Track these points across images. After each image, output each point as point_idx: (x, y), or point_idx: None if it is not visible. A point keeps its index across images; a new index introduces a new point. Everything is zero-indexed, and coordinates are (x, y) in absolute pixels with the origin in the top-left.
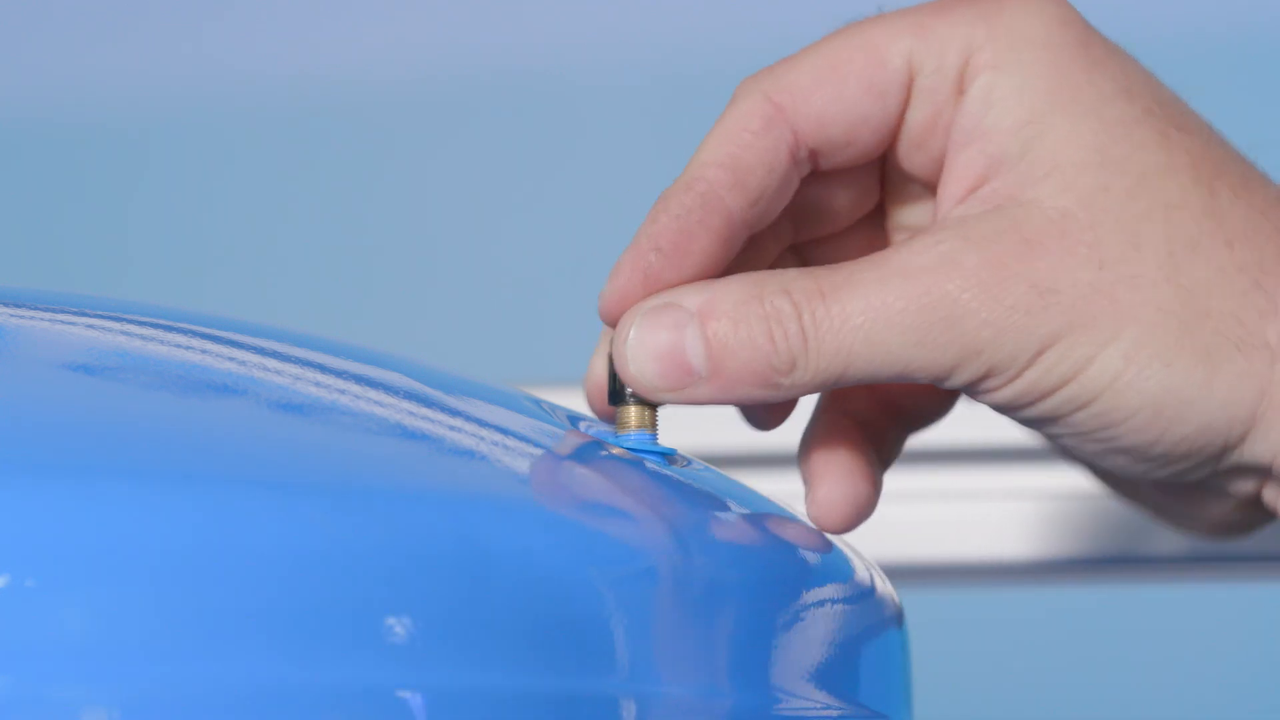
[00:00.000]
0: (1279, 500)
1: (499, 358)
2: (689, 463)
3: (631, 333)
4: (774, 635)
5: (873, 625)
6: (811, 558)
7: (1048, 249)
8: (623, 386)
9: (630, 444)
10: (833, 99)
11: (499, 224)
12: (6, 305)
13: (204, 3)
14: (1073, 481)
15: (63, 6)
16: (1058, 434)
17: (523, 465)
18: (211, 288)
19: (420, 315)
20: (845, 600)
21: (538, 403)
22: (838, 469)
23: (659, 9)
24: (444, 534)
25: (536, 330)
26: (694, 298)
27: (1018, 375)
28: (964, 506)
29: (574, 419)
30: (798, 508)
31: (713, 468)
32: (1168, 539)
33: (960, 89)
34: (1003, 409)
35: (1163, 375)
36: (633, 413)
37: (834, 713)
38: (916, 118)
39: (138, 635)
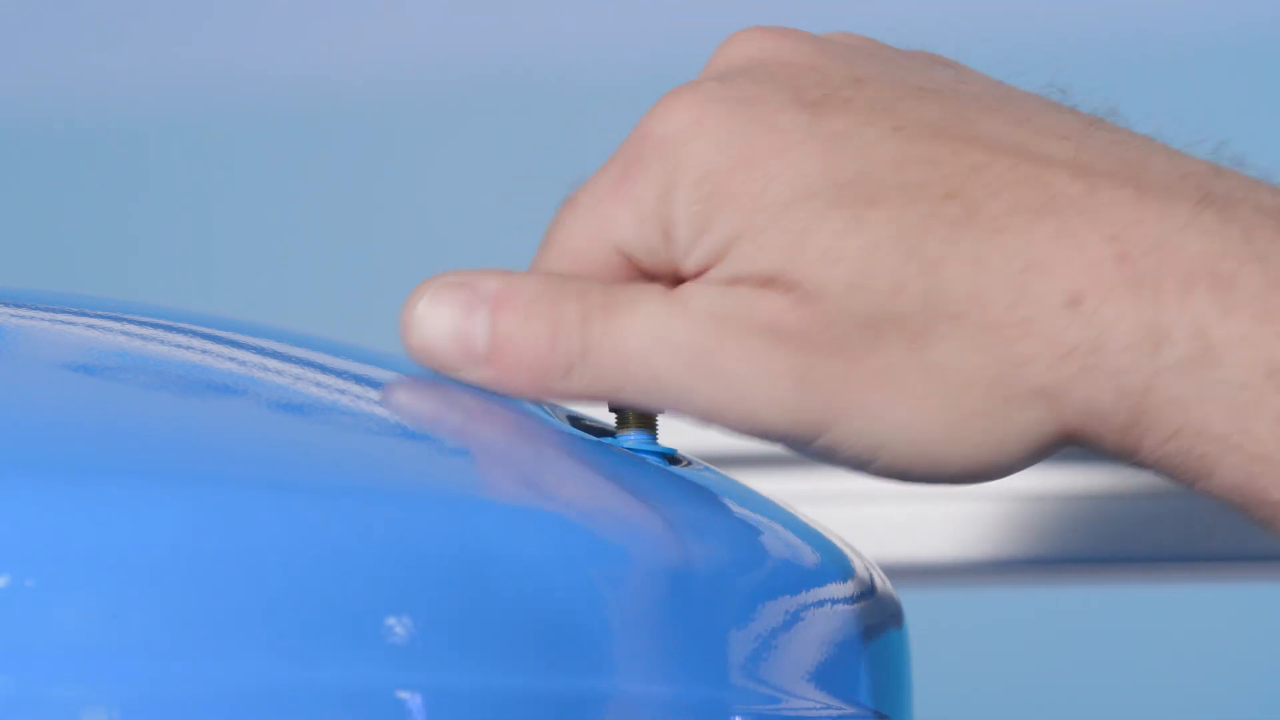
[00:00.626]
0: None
1: None
2: (689, 463)
3: (421, 303)
4: (774, 635)
5: (873, 625)
6: (811, 558)
7: (796, 339)
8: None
9: (630, 444)
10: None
11: (499, 224)
12: (6, 305)
13: (204, 3)
14: (1073, 481)
15: (63, 6)
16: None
17: (522, 465)
18: (211, 288)
19: None
20: (845, 600)
21: (537, 404)
22: None
23: (659, 9)
24: (443, 534)
25: None
26: (491, 283)
27: (803, 445)
28: (964, 506)
29: (574, 419)
30: (798, 508)
31: (713, 468)
32: (1167, 539)
33: (670, 237)
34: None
35: (954, 451)
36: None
37: (834, 713)
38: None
39: (138, 635)
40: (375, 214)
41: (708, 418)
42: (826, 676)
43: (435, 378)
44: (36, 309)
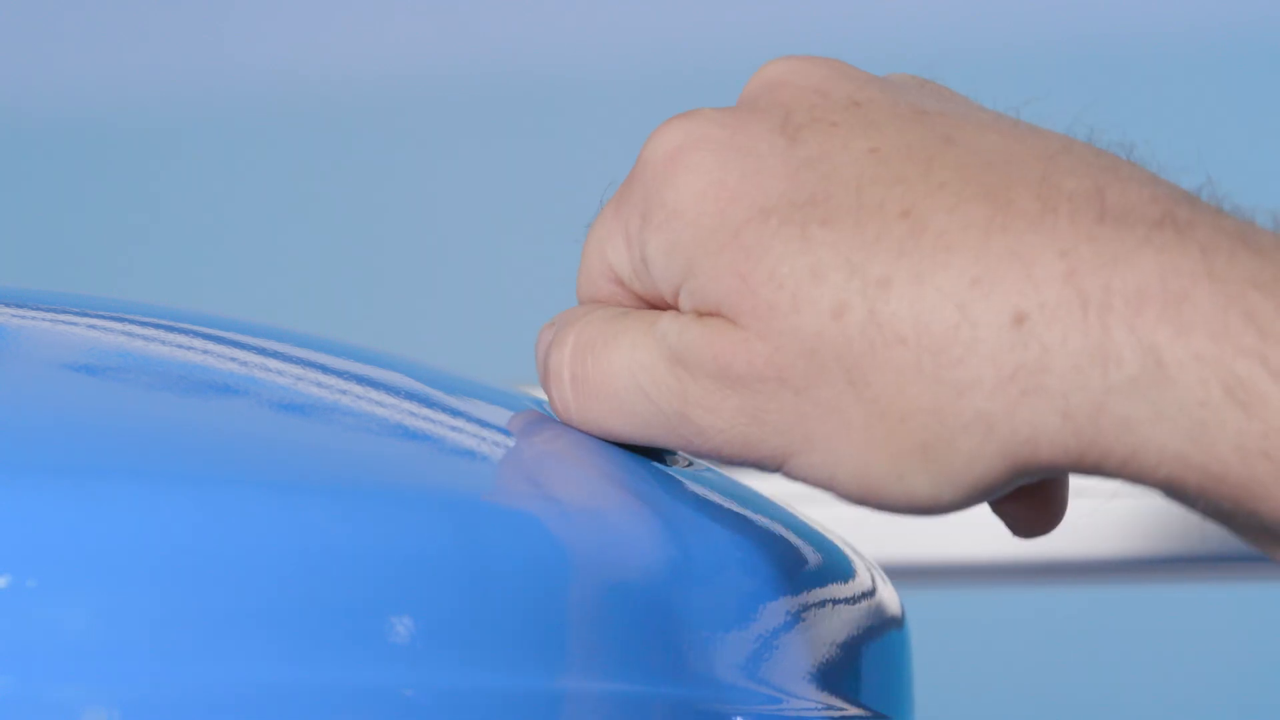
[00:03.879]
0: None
1: (499, 358)
2: (690, 463)
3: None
4: (775, 636)
5: (874, 625)
6: (813, 558)
7: (745, 379)
8: None
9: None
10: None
11: (499, 224)
12: (6, 305)
13: (205, 3)
14: (1073, 481)
15: (66, 6)
16: None
17: (523, 466)
18: (212, 288)
19: (420, 315)
20: (846, 600)
21: (538, 403)
22: None
23: (659, 9)
24: (443, 534)
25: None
26: (559, 318)
27: (775, 472)
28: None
29: None
30: (798, 508)
31: (714, 468)
32: (1167, 539)
33: (647, 264)
34: None
35: (899, 485)
36: None
37: (835, 713)
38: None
39: (138, 635)
40: (376, 214)
41: (687, 450)
42: (827, 677)
43: (436, 378)
44: (36, 309)
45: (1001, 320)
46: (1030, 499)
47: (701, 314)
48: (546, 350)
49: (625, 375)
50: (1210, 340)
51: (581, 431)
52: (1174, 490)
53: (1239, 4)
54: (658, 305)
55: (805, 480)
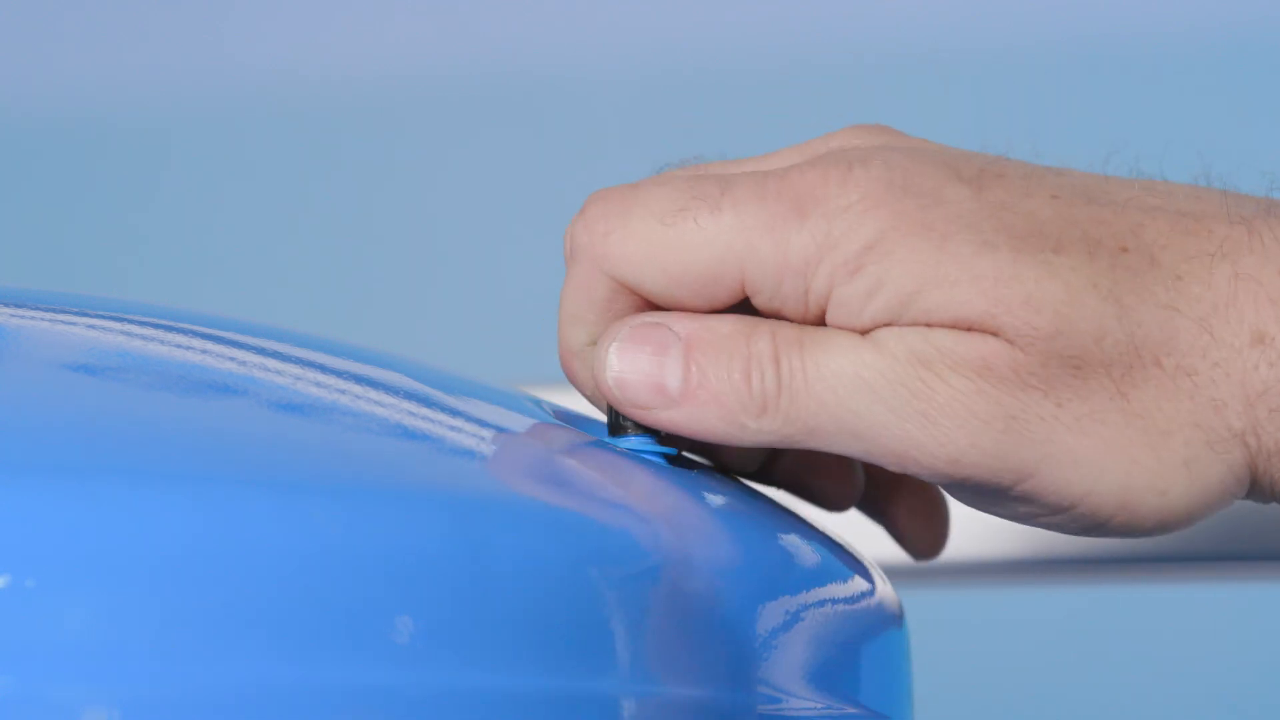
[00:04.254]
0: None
1: (499, 358)
2: (691, 463)
3: (614, 344)
4: (775, 636)
5: (874, 625)
6: (812, 558)
7: (1007, 380)
8: (623, 418)
9: (632, 444)
10: (670, 300)
11: (499, 224)
12: (6, 305)
13: (205, 3)
14: None
15: (64, 6)
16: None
17: (523, 465)
18: (212, 288)
19: (420, 315)
20: (846, 600)
21: (538, 403)
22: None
23: (659, 9)
24: (444, 534)
25: (536, 330)
26: (684, 324)
27: (1004, 495)
28: (964, 506)
29: (574, 419)
30: (798, 508)
31: (717, 474)
32: (1168, 539)
33: (815, 293)
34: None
35: (1160, 501)
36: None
37: (835, 713)
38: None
39: (138, 635)
40: (376, 214)
41: (905, 460)
42: (828, 677)
43: (435, 378)
44: (37, 309)
45: (1244, 340)
46: (924, 516)
47: (939, 325)
48: (719, 347)
49: (849, 375)
50: None
51: (752, 437)
52: None
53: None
54: (776, 318)
55: (1044, 500)
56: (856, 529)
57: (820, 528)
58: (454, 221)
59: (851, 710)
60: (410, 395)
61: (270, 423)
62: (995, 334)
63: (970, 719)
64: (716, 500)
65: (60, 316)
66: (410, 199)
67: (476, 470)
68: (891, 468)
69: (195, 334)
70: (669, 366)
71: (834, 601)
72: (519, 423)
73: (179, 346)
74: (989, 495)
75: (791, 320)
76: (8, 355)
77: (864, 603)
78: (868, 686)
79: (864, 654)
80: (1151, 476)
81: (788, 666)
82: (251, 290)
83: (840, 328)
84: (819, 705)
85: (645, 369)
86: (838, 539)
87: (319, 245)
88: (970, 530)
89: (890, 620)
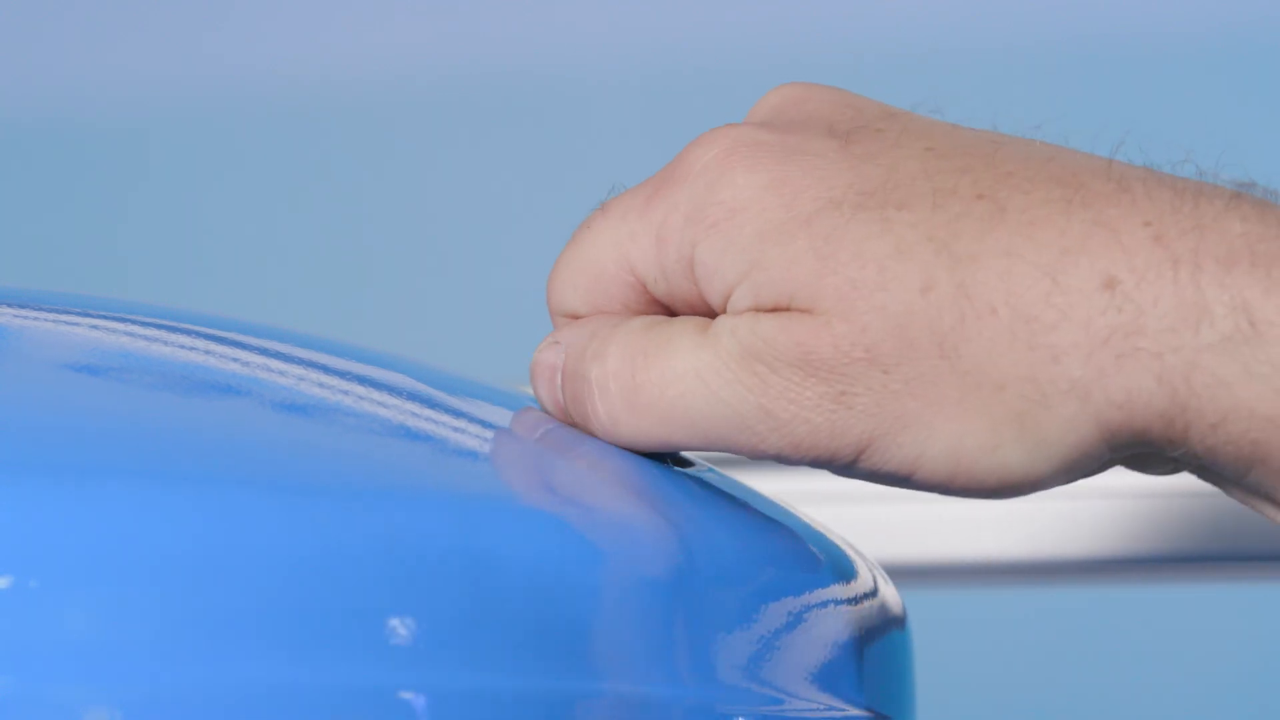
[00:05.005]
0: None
1: (499, 358)
2: (691, 463)
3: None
4: (776, 636)
5: (875, 626)
6: (814, 558)
7: (828, 362)
8: None
9: None
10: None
11: (499, 224)
12: (7, 305)
13: (204, 3)
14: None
15: (63, 6)
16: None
17: (523, 465)
18: (211, 288)
19: (420, 315)
20: (847, 601)
21: (537, 403)
22: None
23: (659, 9)
24: (444, 534)
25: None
26: (566, 338)
27: (847, 466)
28: (964, 506)
29: None
30: (799, 508)
31: (714, 468)
32: (1168, 539)
33: (693, 265)
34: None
35: (993, 459)
36: None
37: (836, 714)
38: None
39: (138, 635)
40: (375, 214)
41: (755, 452)
42: (829, 677)
43: (436, 378)
44: (37, 309)
45: (1093, 285)
46: None
47: (765, 310)
48: (576, 365)
49: (690, 379)
50: None
51: (624, 445)
52: (1256, 462)
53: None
54: (677, 312)
55: (885, 469)
56: (857, 529)
57: (821, 528)
58: (454, 221)
59: (853, 711)
60: (411, 395)
61: (271, 423)
62: (810, 310)
63: (971, 719)
64: (716, 499)
65: (60, 316)
66: (410, 199)
67: (477, 470)
68: (749, 457)
69: (196, 334)
70: (552, 393)
71: (835, 602)
72: (521, 423)
73: (180, 347)
74: (840, 470)
75: (689, 308)
76: (8, 355)
77: (865, 603)
78: (869, 687)
79: (866, 654)
80: (982, 434)
81: (789, 667)
82: (252, 290)
83: (715, 305)
84: (820, 706)
85: (544, 395)
86: (839, 539)
87: (319, 245)
88: (970, 530)
89: (892, 620)
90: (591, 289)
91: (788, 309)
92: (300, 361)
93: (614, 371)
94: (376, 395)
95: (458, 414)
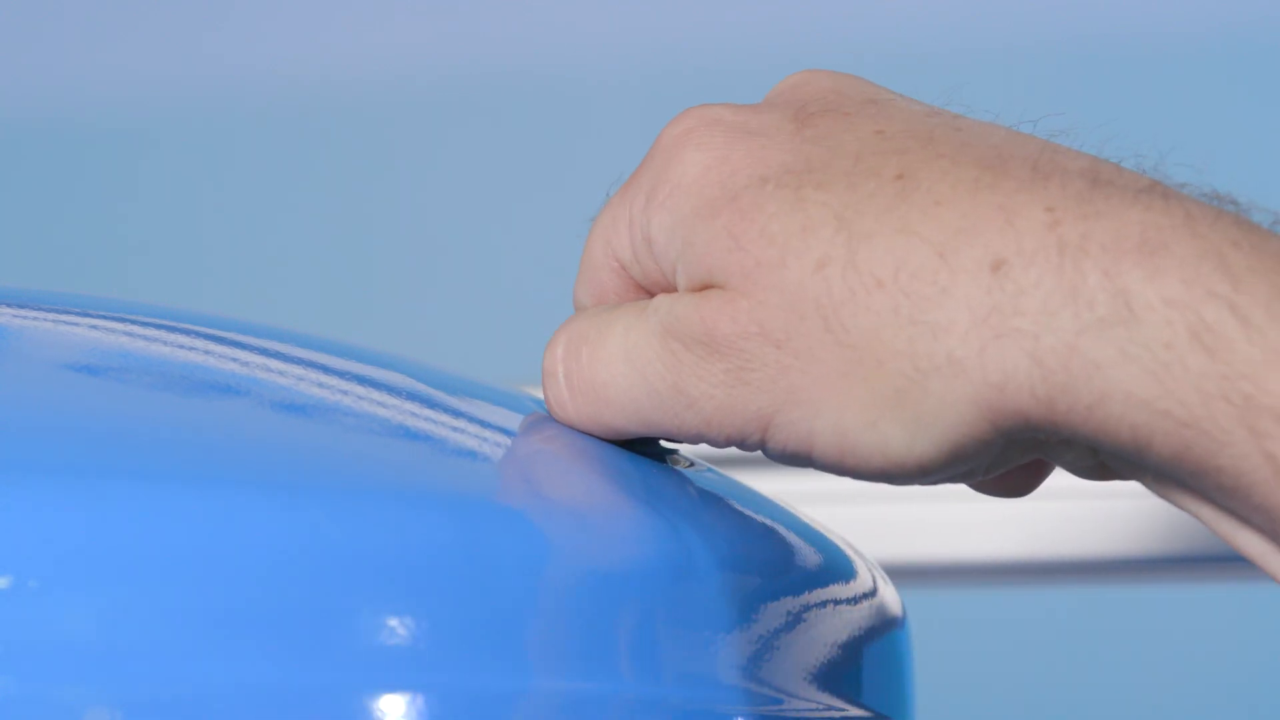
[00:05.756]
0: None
1: (499, 358)
2: (690, 463)
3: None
4: (776, 636)
5: (875, 626)
6: (813, 558)
7: (730, 339)
8: None
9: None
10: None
11: (499, 224)
12: (7, 305)
13: (203, 3)
14: (1073, 482)
15: (62, 6)
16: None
17: (523, 465)
18: (211, 288)
19: (420, 315)
20: (847, 601)
21: (538, 403)
22: None
23: (659, 9)
24: (444, 534)
25: (536, 330)
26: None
27: (759, 445)
28: (964, 506)
29: None
30: (799, 508)
31: (714, 468)
32: (1168, 539)
33: (651, 244)
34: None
35: (873, 435)
36: None
37: (836, 714)
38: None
39: (139, 635)
40: (375, 214)
41: (679, 434)
42: (828, 677)
43: (436, 378)
44: (37, 309)
45: (980, 265)
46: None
47: (695, 289)
48: (543, 357)
49: (620, 360)
50: (1182, 285)
51: (578, 430)
52: (1141, 447)
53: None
54: (653, 290)
55: (789, 448)
56: (857, 529)
57: (821, 528)
58: (454, 221)
59: (853, 711)
60: (411, 395)
61: (271, 423)
62: (723, 288)
63: (970, 719)
64: (716, 499)
65: (60, 316)
66: (411, 198)
67: (477, 470)
68: (680, 440)
69: (196, 334)
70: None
71: (835, 602)
72: (520, 423)
73: (179, 347)
74: (754, 449)
75: (663, 291)
76: (8, 355)
77: (865, 603)
78: (869, 687)
79: (865, 654)
80: (862, 409)
81: (788, 666)
82: (252, 290)
83: (670, 279)
84: (820, 705)
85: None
86: (839, 539)
87: (320, 245)
88: (970, 530)
89: (892, 620)
90: (589, 280)
91: (708, 286)
92: (300, 361)
93: (560, 357)
94: (376, 395)
95: (458, 414)
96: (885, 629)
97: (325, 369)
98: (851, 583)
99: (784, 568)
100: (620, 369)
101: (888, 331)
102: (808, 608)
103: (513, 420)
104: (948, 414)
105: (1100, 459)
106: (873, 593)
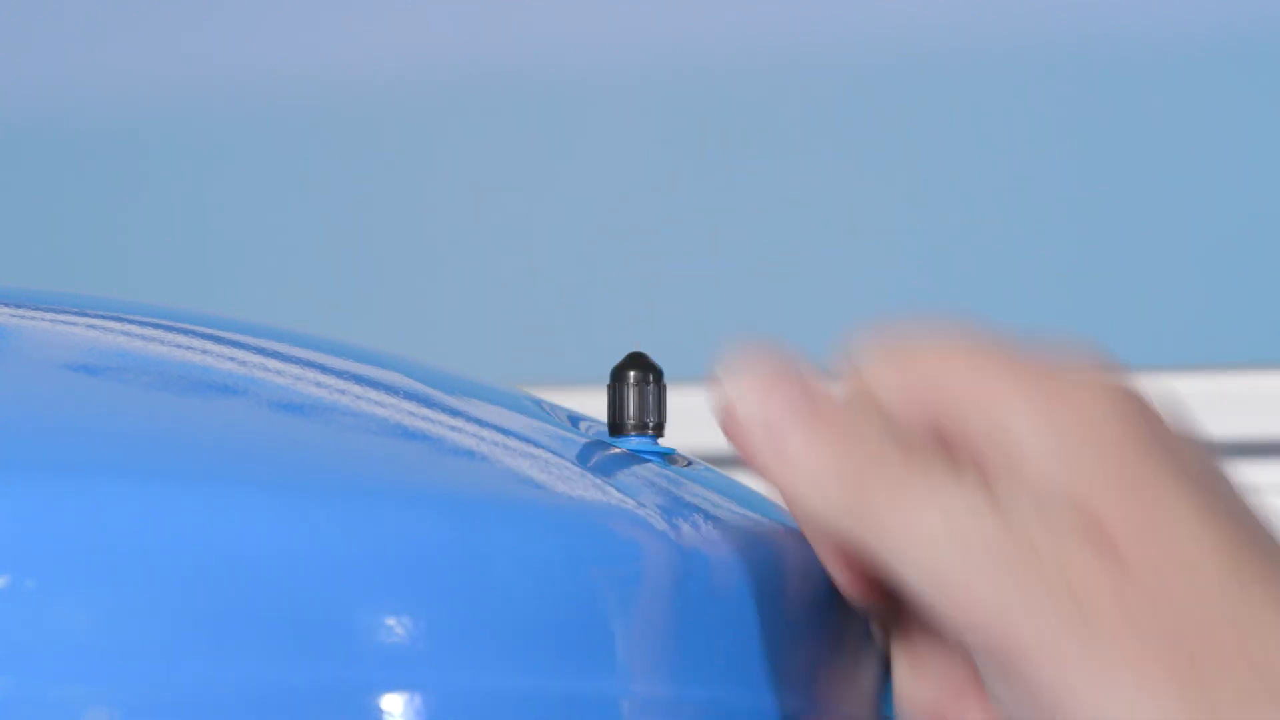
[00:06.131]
0: None
1: (499, 358)
2: (689, 462)
3: (745, 382)
4: (775, 636)
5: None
6: (813, 557)
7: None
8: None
9: (630, 444)
10: None
11: (499, 224)
12: (7, 305)
13: (203, 3)
14: None
15: (62, 6)
16: None
17: (523, 465)
18: (211, 288)
19: (420, 315)
20: (846, 600)
21: (538, 403)
22: None
23: (659, 9)
24: (444, 534)
25: (536, 330)
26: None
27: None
28: None
29: (574, 419)
30: None
31: (712, 467)
32: None
33: None
34: None
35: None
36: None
37: (832, 713)
38: None
39: (138, 635)
40: (375, 214)
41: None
42: (826, 677)
43: (436, 378)
44: (36, 309)
45: None
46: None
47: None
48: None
49: (944, 541)
50: None
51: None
52: None
53: (1239, 4)
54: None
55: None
56: None
57: None
58: (454, 222)
59: (854, 711)
60: (411, 395)
61: (271, 423)
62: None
63: None
64: (716, 499)
65: (60, 316)
66: (411, 198)
67: (477, 470)
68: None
69: (195, 334)
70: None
71: (834, 601)
72: (519, 423)
73: (179, 346)
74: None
75: None
76: (8, 355)
77: None
78: (869, 688)
79: (865, 654)
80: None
81: (789, 668)
82: (251, 290)
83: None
84: (820, 705)
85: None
86: None
87: (319, 245)
88: None
89: None
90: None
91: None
92: (300, 361)
93: (857, 475)
94: (376, 395)
95: (458, 414)
96: None
97: (326, 369)
98: None
99: (784, 567)
100: (945, 546)
101: None
102: (808, 608)
103: (511, 421)
104: None
105: None
106: None
